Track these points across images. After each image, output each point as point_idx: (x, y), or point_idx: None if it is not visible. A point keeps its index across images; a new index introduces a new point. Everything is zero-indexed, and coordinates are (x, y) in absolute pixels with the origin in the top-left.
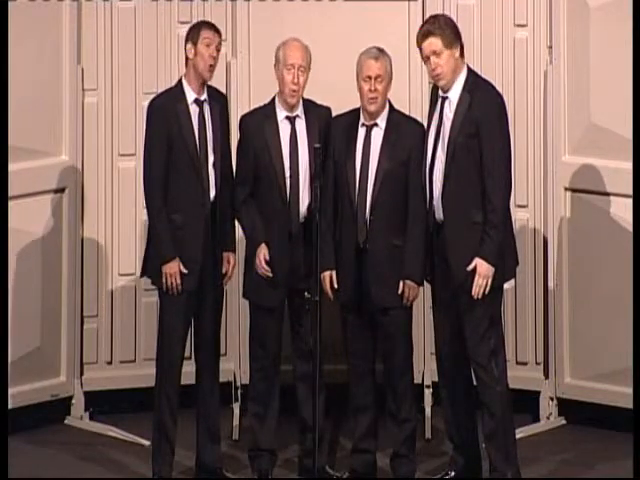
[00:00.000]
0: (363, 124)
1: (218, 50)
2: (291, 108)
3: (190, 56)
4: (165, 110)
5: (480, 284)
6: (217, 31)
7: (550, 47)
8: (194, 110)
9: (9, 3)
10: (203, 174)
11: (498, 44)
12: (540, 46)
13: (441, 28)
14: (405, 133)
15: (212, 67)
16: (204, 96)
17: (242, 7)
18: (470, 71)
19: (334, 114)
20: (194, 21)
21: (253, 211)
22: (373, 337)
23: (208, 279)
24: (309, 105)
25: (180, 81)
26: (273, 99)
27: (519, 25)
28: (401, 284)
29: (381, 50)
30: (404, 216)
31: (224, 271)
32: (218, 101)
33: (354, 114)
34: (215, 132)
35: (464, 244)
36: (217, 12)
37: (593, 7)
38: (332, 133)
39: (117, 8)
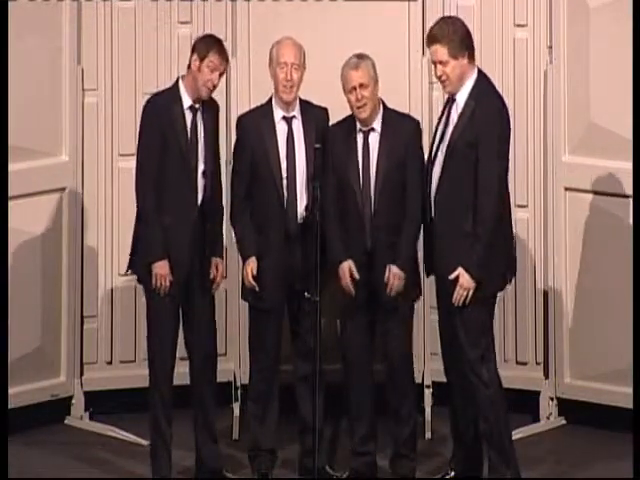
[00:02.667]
0: (360, 130)
1: (221, 75)
2: (287, 107)
3: (193, 68)
4: (160, 111)
5: (461, 294)
6: (225, 57)
7: (550, 47)
8: (188, 116)
9: (9, 3)
10: (192, 178)
11: (498, 44)
12: (540, 46)
13: (448, 37)
14: (400, 131)
15: (210, 90)
16: (199, 104)
17: (242, 7)
18: (480, 75)
19: (332, 114)
20: (194, 21)
21: (247, 222)
22: (372, 339)
23: (196, 282)
24: (306, 106)
25: (177, 83)
26: (270, 99)
27: (519, 25)
28: (387, 270)
29: (361, 56)
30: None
31: (212, 277)
32: (211, 109)
33: (350, 120)
34: (207, 140)
35: (451, 252)
36: (217, 12)
37: (593, 7)
38: (329, 141)
39: (117, 8)
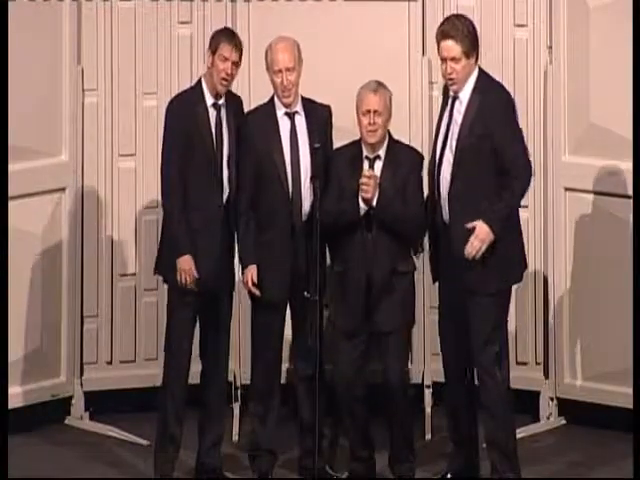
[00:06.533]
0: (367, 157)
1: (236, 65)
2: (289, 106)
3: (208, 65)
4: (183, 111)
5: (475, 246)
6: (237, 45)
7: (550, 47)
8: (212, 113)
9: (9, 3)
10: (218, 177)
11: (498, 44)
12: (540, 46)
13: (463, 34)
14: (403, 162)
15: (225, 81)
16: (222, 100)
17: (242, 7)
18: (481, 71)
19: (333, 113)
20: (194, 21)
21: (251, 226)
22: (366, 362)
23: (222, 280)
24: (308, 104)
25: (200, 82)
26: (272, 97)
27: (519, 25)
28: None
29: (380, 84)
30: (407, 244)
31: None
32: (234, 104)
33: (356, 146)
34: (231, 137)
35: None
36: (217, 12)
37: (593, 7)
38: (334, 165)
39: (117, 8)
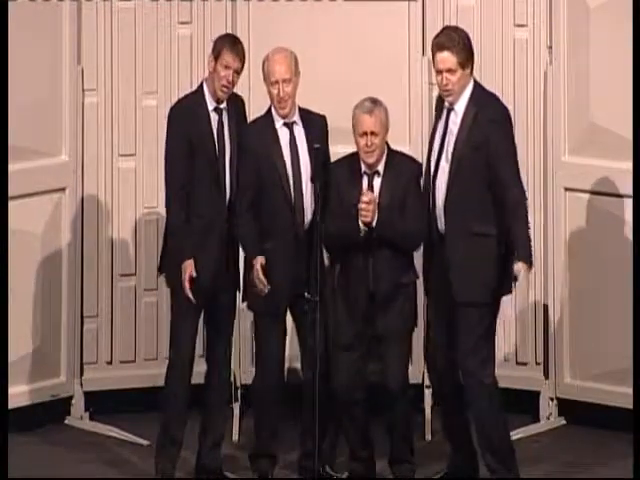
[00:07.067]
0: (365, 172)
1: (237, 73)
2: (286, 117)
3: (210, 69)
4: (185, 116)
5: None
6: (239, 54)
7: (550, 47)
8: (214, 117)
9: (9, 3)
10: (221, 180)
11: (498, 44)
12: (540, 46)
13: (459, 46)
14: (402, 172)
15: (226, 88)
16: (223, 104)
17: (242, 7)
18: (476, 83)
19: (332, 116)
20: (194, 21)
21: (252, 224)
22: (366, 365)
23: (225, 283)
24: (305, 114)
25: (201, 86)
26: (270, 109)
27: (519, 25)
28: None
29: (375, 102)
30: (409, 255)
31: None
32: (236, 106)
33: (354, 160)
34: (232, 139)
35: (463, 255)
36: (217, 12)
37: (593, 7)
38: (334, 180)
39: (117, 8)
